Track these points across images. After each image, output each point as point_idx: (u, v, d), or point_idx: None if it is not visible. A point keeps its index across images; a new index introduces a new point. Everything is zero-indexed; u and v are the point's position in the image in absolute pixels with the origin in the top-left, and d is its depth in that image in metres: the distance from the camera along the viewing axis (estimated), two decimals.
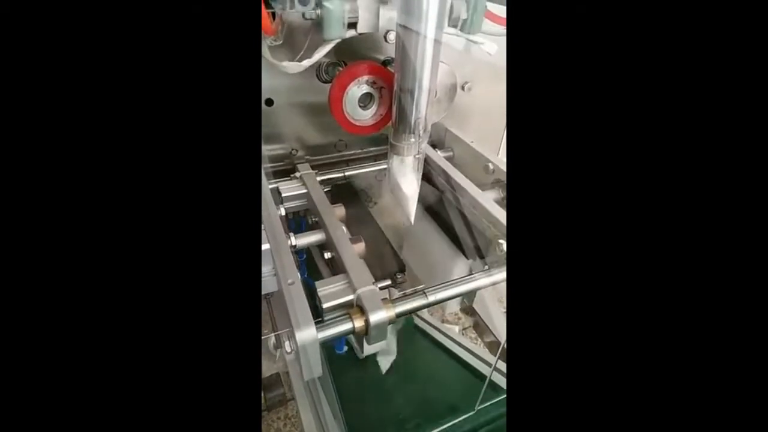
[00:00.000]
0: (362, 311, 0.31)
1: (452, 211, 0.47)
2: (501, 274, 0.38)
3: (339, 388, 0.58)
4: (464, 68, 0.58)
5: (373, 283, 0.33)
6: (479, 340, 0.88)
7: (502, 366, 0.59)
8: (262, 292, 0.38)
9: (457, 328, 0.87)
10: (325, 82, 0.50)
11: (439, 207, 0.50)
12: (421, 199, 0.49)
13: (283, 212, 0.41)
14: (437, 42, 0.36)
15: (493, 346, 0.84)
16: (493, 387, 0.55)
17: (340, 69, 0.47)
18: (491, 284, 0.37)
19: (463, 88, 0.59)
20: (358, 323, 0.31)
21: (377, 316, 0.31)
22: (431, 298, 0.35)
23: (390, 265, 0.39)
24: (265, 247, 0.36)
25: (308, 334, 0.30)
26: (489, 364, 0.60)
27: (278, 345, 0.69)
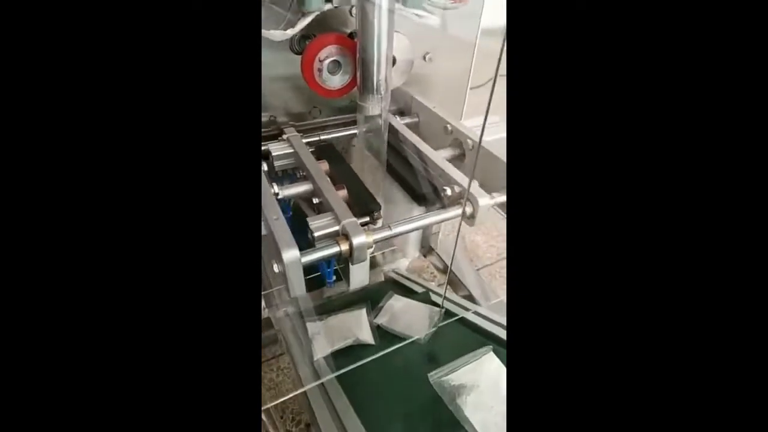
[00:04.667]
0: (347, 237, 0.40)
1: (408, 167, 0.57)
2: (448, 213, 0.47)
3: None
4: (425, 40, 0.64)
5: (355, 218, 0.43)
6: (455, 294, 0.96)
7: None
8: None
9: (433, 285, 0.95)
10: (298, 53, 0.55)
11: (397, 165, 0.59)
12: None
13: (265, 167, 0.47)
14: (391, 12, 0.43)
15: (466, 299, 0.92)
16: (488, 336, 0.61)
17: (310, 41, 0.53)
18: (441, 221, 0.45)
19: (424, 58, 0.66)
20: (344, 246, 0.40)
21: (359, 240, 0.40)
22: (395, 230, 0.42)
23: (368, 205, 0.48)
24: None
25: (292, 254, 0.37)
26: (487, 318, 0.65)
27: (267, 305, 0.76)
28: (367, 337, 0.63)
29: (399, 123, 0.62)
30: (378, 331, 0.65)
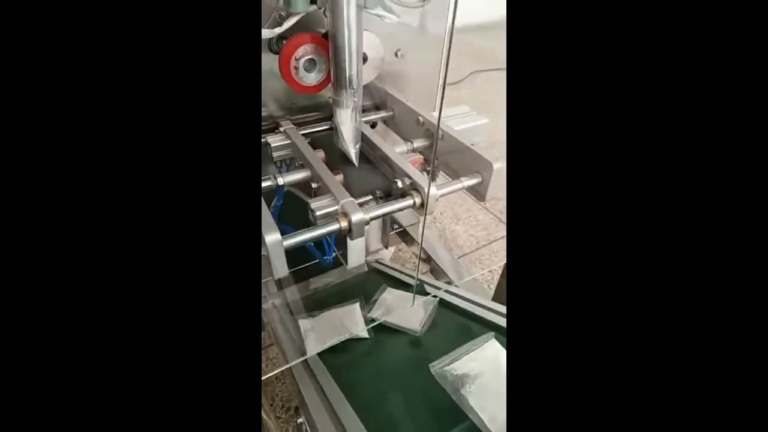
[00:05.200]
0: (345, 215, 0.45)
1: (366, 163, 0.61)
2: (407, 201, 0.50)
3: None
4: (396, 38, 0.68)
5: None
6: (435, 280, 0.99)
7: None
8: None
9: (416, 273, 0.98)
10: (276, 53, 0.58)
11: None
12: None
13: None
14: (359, 11, 0.46)
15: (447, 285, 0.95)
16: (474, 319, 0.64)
17: (286, 40, 0.56)
18: (405, 207, 0.50)
19: (396, 55, 0.70)
20: (344, 223, 0.45)
21: (357, 217, 0.44)
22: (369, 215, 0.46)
23: (364, 186, 0.52)
24: None
25: (274, 237, 0.40)
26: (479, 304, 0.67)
27: None
28: (362, 331, 0.63)
29: (363, 125, 0.65)
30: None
